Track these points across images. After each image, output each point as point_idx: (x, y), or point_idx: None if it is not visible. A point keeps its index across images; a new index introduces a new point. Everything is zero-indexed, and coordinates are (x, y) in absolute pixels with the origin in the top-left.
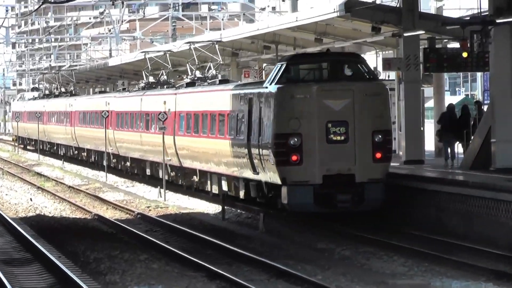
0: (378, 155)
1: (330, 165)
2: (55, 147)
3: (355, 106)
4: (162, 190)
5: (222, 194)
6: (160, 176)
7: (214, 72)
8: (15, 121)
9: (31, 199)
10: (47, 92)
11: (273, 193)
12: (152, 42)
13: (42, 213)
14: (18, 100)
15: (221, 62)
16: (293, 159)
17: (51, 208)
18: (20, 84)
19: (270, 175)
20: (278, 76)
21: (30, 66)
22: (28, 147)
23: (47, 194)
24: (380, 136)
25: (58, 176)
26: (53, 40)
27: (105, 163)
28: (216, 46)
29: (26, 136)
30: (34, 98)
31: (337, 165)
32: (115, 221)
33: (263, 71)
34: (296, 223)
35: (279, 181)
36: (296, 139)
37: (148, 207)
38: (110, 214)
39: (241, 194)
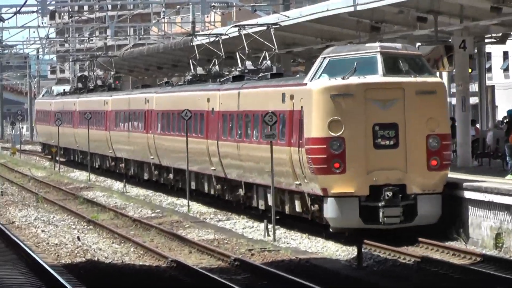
0: (434, 162)
1: (377, 174)
2: (88, 158)
3: (406, 106)
4: (270, 226)
5: (356, 233)
6: (206, 190)
7: (268, 63)
8: (54, 125)
9: (78, 238)
10: (79, 85)
11: (316, 207)
12: (255, 11)
13: (95, 259)
14: (44, 95)
15: (276, 51)
16: (335, 167)
17: (108, 251)
18: (62, 71)
19: (312, 186)
20: (320, 71)
21: (75, 45)
22: (57, 158)
23: (102, 230)
24: (435, 141)
25: (118, 205)
26: (109, 7)
27: (187, 186)
28: (272, 30)
29: (53, 144)
30: (64, 93)
31: (385, 174)
32: (202, 271)
33: None
34: (457, 273)
35: (320, 192)
36: (338, 144)
37: (250, 250)
38: (194, 260)
39: (287, 209)
